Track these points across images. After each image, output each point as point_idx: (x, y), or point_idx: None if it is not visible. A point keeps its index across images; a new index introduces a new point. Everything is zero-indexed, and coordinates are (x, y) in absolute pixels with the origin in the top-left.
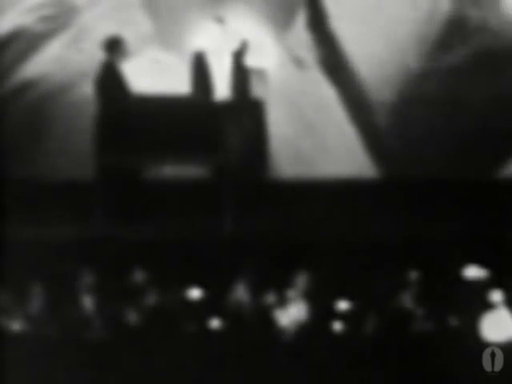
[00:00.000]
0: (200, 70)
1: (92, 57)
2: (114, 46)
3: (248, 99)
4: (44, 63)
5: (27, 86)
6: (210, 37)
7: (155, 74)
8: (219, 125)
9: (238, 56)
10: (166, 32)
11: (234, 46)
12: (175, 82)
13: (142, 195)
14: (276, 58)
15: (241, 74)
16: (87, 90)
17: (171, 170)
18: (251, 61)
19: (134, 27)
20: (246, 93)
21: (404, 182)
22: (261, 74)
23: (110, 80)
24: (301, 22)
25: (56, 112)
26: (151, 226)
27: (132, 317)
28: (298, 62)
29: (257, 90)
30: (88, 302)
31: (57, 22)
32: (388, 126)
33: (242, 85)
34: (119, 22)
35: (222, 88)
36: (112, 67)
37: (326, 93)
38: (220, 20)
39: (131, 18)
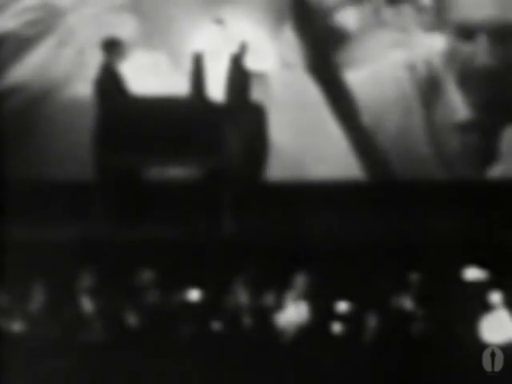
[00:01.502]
0: (196, 71)
1: (79, 59)
2: (112, 48)
3: (248, 102)
4: (32, 66)
5: (17, 88)
6: (209, 38)
7: (144, 77)
8: (219, 126)
9: (237, 58)
10: (154, 33)
11: (233, 47)
12: (164, 83)
13: (142, 195)
14: (273, 61)
15: (240, 77)
16: (80, 90)
17: (171, 171)
18: (251, 63)
19: (122, 29)
20: (245, 95)
21: (403, 183)
22: (261, 77)
23: (108, 81)
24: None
25: (51, 113)
26: (151, 226)
27: (132, 317)
28: (290, 65)
29: (257, 93)
30: (88, 302)
31: (42, 25)
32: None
33: (241, 87)
34: (106, 24)
35: (220, 90)
36: (110, 68)
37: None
38: (219, 21)
39: (118, 20)
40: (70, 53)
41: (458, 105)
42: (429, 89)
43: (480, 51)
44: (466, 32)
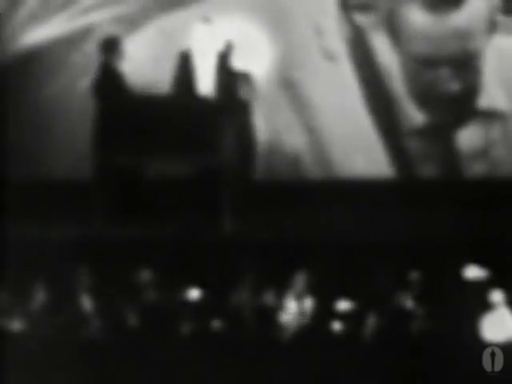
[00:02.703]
0: (185, 70)
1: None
2: (111, 47)
3: (235, 100)
4: None
5: None
6: (197, 37)
7: None
8: (215, 125)
9: (223, 57)
10: None
11: (220, 46)
12: None
13: (142, 195)
14: (268, 60)
15: (226, 76)
16: None
17: (170, 170)
18: (240, 62)
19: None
20: (232, 94)
21: (404, 183)
22: (247, 76)
23: (107, 81)
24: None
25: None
26: (151, 226)
27: (131, 317)
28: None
29: (244, 91)
30: (88, 302)
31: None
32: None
33: (228, 86)
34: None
35: (208, 89)
36: (109, 68)
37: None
38: (207, 20)
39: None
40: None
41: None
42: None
43: (442, 78)
44: (428, 62)
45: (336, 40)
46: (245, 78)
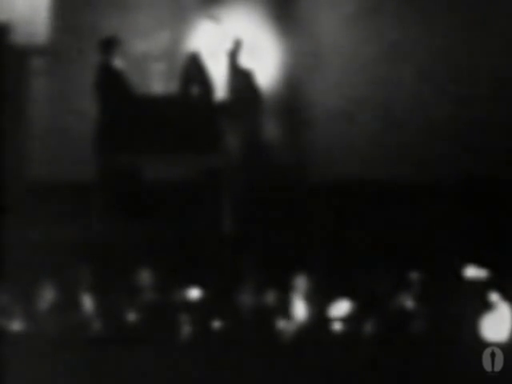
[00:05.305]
0: (197, 70)
1: None
2: (110, 47)
3: (244, 99)
4: None
5: None
6: (206, 36)
7: None
8: (218, 125)
9: (232, 56)
10: None
11: (228, 45)
12: None
13: (142, 195)
14: (275, 59)
15: (235, 74)
16: None
17: (171, 170)
18: (247, 61)
19: None
20: (241, 93)
21: (403, 182)
22: (252, 74)
23: (107, 81)
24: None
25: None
26: (151, 226)
27: (132, 317)
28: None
29: (250, 90)
30: (88, 302)
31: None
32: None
33: (236, 85)
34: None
35: (218, 88)
36: (109, 68)
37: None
38: (214, 19)
39: None
40: None
41: None
42: None
43: None
44: None
45: None
46: (250, 75)
